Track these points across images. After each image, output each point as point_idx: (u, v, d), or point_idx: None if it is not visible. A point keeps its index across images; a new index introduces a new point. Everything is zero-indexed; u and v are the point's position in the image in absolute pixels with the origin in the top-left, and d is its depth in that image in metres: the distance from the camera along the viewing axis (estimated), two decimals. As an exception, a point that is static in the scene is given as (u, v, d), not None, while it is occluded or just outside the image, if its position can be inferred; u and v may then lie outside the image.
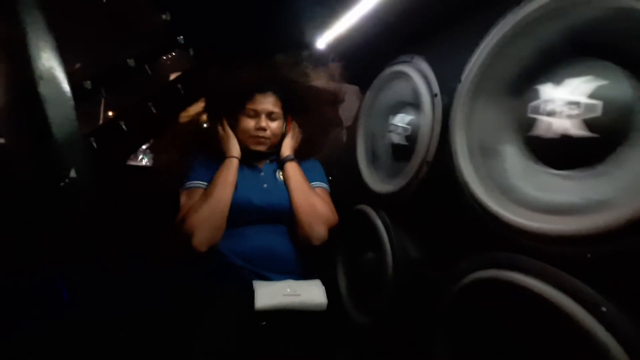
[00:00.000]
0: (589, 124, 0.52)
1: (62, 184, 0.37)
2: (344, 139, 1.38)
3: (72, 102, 0.40)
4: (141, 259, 1.05)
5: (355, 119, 1.18)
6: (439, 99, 0.80)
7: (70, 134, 0.38)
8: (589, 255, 0.49)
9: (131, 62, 0.84)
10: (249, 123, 1.05)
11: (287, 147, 1.10)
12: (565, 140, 0.54)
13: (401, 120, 0.94)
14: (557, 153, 0.57)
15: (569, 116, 0.53)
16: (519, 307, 0.55)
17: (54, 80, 0.37)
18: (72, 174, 0.38)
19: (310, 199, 1.03)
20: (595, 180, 0.51)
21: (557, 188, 0.56)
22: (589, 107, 0.52)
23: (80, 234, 0.41)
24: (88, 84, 0.82)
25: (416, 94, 0.86)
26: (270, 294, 0.89)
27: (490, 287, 0.59)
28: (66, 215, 0.39)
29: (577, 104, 0.53)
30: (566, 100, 0.53)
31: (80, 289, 0.43)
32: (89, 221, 0.42)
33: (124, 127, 1.04)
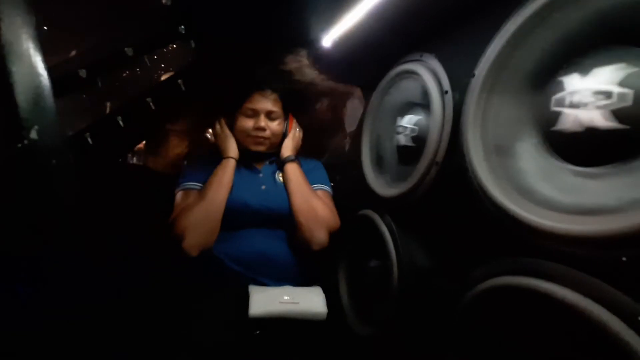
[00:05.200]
0: (619, 114, 0.47)
1: (19, 145, 0.33)
2: (347, 144, 1.35)
3: (39, 53, 0.35)
4: (133, 257, 1.00)
5: (360, 121, 1.15)
6: (449, 96, 0.76)
7: (33, 86, 0.34)
8: (624, 259, 0.43)
9: (129, 51, 0.81)
10: (248, 123, 1.02)
11: (287, 148, 1.06)
12: (591, 133, 0.50)
13: (409, 121, 0.90)
14: (582, 148, 0.52)
15: (597, 107, 0.49)
16: (543, 317, 0.50)
17: (19, 25, 0.32)
18: (33, 135, 0.34)
19: (311, 202, 0.98)
20: (628, 177, 0.47)
21: (583, 186, 0.51)
22: (618, 97, 0.47)
23: (45, 209, 0.36)
24: (83, 73, 0.78)
25: (425, 92, 0.82)
26: (267, 301, 0.84)
27: (509, 295, 0.54)
28: (24, 184, 0.34)
29: (604, 93, 0.48)
30: (593, 90, 0.49)
31: (53, 280, 0.38)
32: (57, 197, 0.37)
33: (120, 123, 1.00)
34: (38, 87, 0.35)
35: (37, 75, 0.35)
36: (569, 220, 0.48)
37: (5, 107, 0.33)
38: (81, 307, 0.44)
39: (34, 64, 0.34)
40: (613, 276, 0.45)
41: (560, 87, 0.54)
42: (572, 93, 0.52)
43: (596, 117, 0.49)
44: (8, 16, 0.32)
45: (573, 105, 0.51)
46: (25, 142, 0.33)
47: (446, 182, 0.76)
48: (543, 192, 0.55)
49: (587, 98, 0.50)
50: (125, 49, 0.81)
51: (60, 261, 0.38)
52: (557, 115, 0.54)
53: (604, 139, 0.49)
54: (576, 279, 0.47)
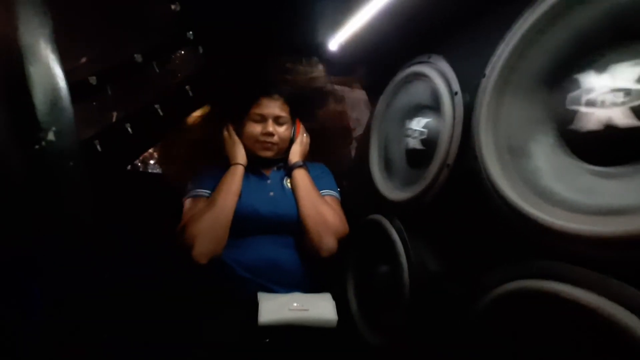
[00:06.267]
0: (639, 112, 0.46)
1: (37, 147, 0.33)
2: (353, 149, 1.34)
3: (56, 55, 0.35)
4: (142, 264, 0.99)
5: (367, 125, 1.14)
6: (459, 97, 0.75)
7: (51, 88, 0.34)
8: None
9: (138, 57, 0.82)
10: (256, 128, 1.02)
11: (295, 153, 1.06)
12: (609, 131, 0.49)
13: (418, 123, 0.89)
14: (600, 147, 0.51)
15: (614, 104, 0.48)
16: (565, 322, 0.48)
17: (36, 27, 0.33)
18: (51, 136, 0.33)
19: (319, 208, 0.97)
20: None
21: (602, 186, 0.50)
22: (637, 93, 0.46)
23: (61, 211, 0.36)
24: (93, 80, 0.79)
25: (434, 94, 0.81)
26: (276, 308, 0.83)
27: (529, 300, 0.52)
28: (39, 185, 0.34)
29: (623, 90, 0.47)
30: (611, 87, 0.48)
31: (63, 283, 0.37)
32: (74, 198, 0.37)
33: (129, 130, 1.00)
34: (56, 89, 0.35)
35: (54, 77, 0.35)
36: (590, 221, 0.47)
37: (23, 109, 0.33)
38: (87, 308, 0.43)
39: (51, 66, 0.35)
40: (637, 278, 0.43)
41: (575, 85, 0.53)
42: (588, 91, 0.51)
43: (615, 115, 0.48)
44: (25, 19, 0.32)
45: (590, 104, 0.50)
46: (43, 143, 0.33)
47: (458, 185, 0.75)
48: (560, 192, 0.53)
49: (605, 96, 0.49)
50: (135, 55, 0.82)
51: (73, 262, 0.38)
52: (573, 114, 0.52)
53: (623, 137, 0.48)
54: (599, 282, 0.45)
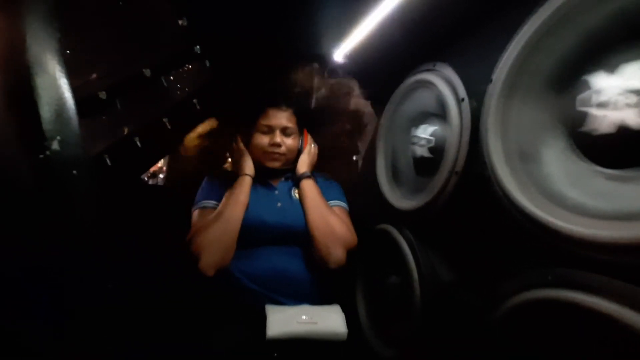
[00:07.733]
0: (653, 113, 0.45)
1: (42, 156, 0.33)
2: (360, 159, 1.34)
3: (62, 66, 0.36)
4: (150, 275, 0.99)
5: (374, 135, 1.14)
6: (466, 103, 0.74)
7: (56, 98, 0.35)
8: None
9: (147, 72, 0.84)
10: (263, 139, 1.02)
11: (303, 164, 1.06)
12: (623, 133, 0.47)
13: (424, 131, 0.88)
14: (613, 149, 0.50)
15: (627, 105, 0.47)
16: (584, 332, 0.46)
17: (43, 39, 0.34)
18: (55, 146, 0.34)
19: (327, 219, 0.96)
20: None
21: (618, 190, 0.48)
22: (651, 94, 0.45)
23: (65, 220, 0.36)
24: (103, 95, 0.81)
25: (441, 101, 0.81)
26: (284, 321, 0.81)
27: (547, 309, 0.50)
28: (44, 194, 0.34)
29: (635, 91, 0.46)
30: (622, 88, 0.47)
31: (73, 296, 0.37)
32: (78, 207, 0.37)
33: (138, 143, 1.02)
34: (61, 100, 0.36)
35: (60, 88, 0.36)
36: (607, 226, 0.45)
37: (29, 119, 0.34)
38: (92, 318, 0.43)
39: (57, 77, 0.36)
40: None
41: (584, 87, 0.52)
42: (598, 92, 0.49)
43: (628, 117, 0.47)
44: (33, 31, 0.33)
45: (601, 105, 0.49)
46: (47, 153, 0.34)
47: (467, 192, 0.73)
48: (575, 197, 0.52)
49: (616, 96, 0.48)
50: (144, 70, 0.84)
51: (76, 271, 0.38)
52: (583, 115, 0.51)
53: (637, 139, 0.47)
54: (619, 289, 0.43)
